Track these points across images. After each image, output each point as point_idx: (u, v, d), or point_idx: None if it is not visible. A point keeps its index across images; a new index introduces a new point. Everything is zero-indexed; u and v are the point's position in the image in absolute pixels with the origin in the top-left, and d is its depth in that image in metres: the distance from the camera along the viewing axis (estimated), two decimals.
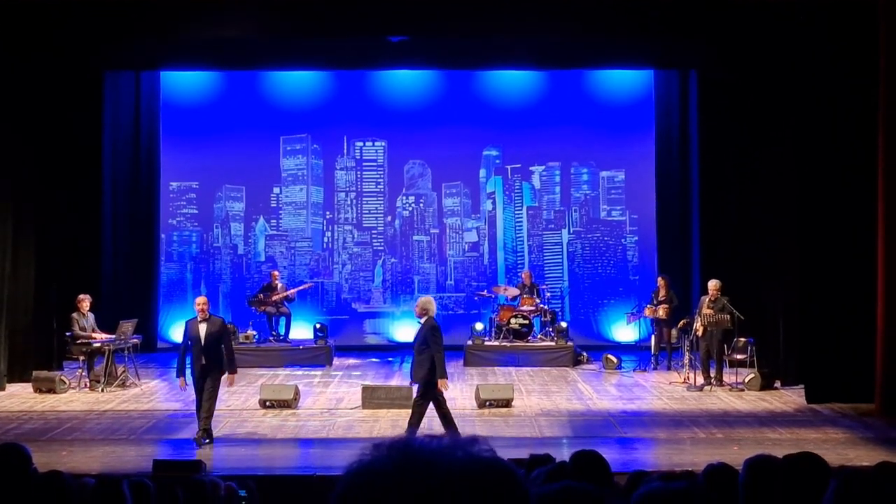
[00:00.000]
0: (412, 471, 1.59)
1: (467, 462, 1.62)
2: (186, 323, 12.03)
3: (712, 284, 15.56)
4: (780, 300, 15.60)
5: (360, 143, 20.93)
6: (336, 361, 18.23)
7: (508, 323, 18.26)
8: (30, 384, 15.33)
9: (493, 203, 20.90)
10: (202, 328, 11.79)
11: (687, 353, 15.98)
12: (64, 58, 16.57)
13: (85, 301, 15.75)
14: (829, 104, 14.26)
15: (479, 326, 18.55)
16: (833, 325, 14.10)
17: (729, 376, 15.61)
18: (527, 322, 18.28)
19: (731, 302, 15.40)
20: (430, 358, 11.34)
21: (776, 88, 15.70)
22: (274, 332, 18.59)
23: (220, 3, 15.14)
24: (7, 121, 15.63)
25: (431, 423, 12.09)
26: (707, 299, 15.52)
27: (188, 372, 12.08)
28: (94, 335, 15.62)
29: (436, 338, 11.39)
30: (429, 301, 11.80)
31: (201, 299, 12.04)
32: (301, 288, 19.35)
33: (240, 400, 14.50)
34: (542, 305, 18.68)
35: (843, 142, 14.17)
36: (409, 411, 13.39)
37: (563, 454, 6.49)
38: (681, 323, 16.63)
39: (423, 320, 11.56)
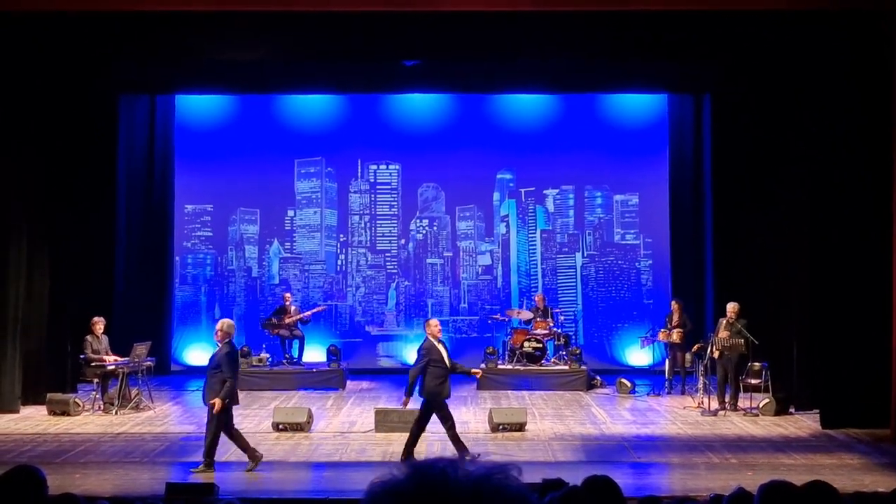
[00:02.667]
0: (429, 494, 1.63)
1: (484, 487, 1.65)
2: (427, 346, 12.09)
3: (730, 307, 15.52)
4: (795, 324, 15.56)
5: (374, 167, 20.99)
6: (349, 384, 18.21)
7: (522, 346, 18.22)
8: (44, 407, 15.36)
9: (507, 226, 20.91)
10: (444, 350, 12.00)
11: (701, 378, 15.91)
12: (79, 81, 16.67)
13: (99, 324, 15.80)
14: (841, 124, 14.26)
15: (491, 350, 18.54)
16: (848, 350, 14.03)
17: (743, 401, 15.54)
18: (540, 346, 18.24)
19: (747, 326, 15.35)
20: (223, 381, 11.38)
21: (789, 111, 15.71)
22: (287, 355, 18.60)
23: (235, 27, 15.22)
24: (22, 143, 15.70)
25: (445, 445, 12.08)
26: (725, 321, 15.49)
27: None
28: (107, 358, 15.65)
29: (230, 363, 11.46)
30: (231, 325, 11.79)
31: (436, 321, 12.33)
32: (314, 311, 19.36)
33: (253, 423, 14.50)
34: (555, 329, 18.64)
35: (857, 162, 14.15)
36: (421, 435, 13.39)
37: (577, 478, 6.45)
38: (695, 347, 16.59)
39: (221, 343, 11.54)
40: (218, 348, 11.57)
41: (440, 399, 11.89)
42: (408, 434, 12.07)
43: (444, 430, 11.86)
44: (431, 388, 11.87)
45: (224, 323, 11.77)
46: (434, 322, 12.36)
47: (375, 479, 1.72)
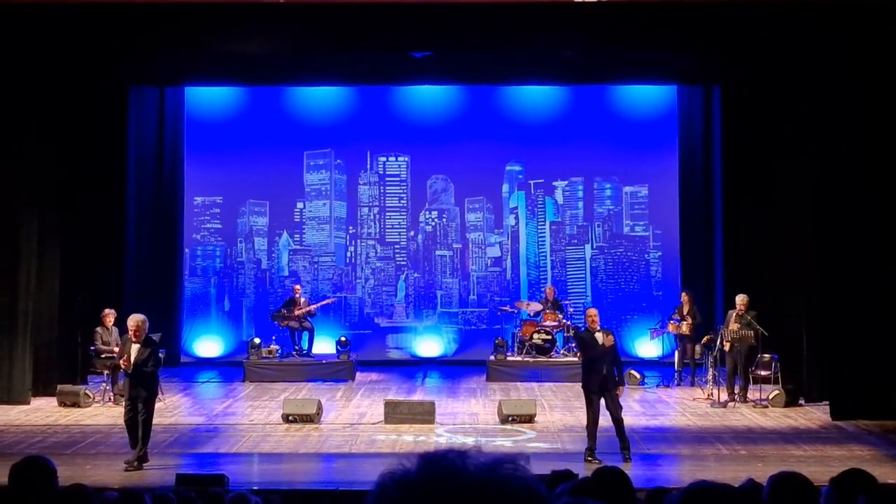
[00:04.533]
0: (438, 484, 1.63)
1: (493, 478, 1.65)
2: (583, 336, 12.10)
3: (740, 299, 15.49)
4: (805, 316, 15.52)
5: (384, 158, 20.98)
6: (359, 376, 18.22)
7: (531, 338, 18.20)
8: (54, 398, 15.40)
9: (516, 218, 20.89)
10: (605, 339, 11.96)
11: (711, 369, 15.89)
12: (89, 73, 16.67)
13: (109, 316, 15.84)
14: (847, 116, 14.25)
15: (500, 342, 18.52)
16: (857, 342, 14.01)
17: (753, 393, 15.52)
18: (549, 337, 18.22)
19: (757, 317, 15.33)
20: (154, 375, 11.52)
21: (799, 103, 15.65)
22: (297, 347, 18.62)
23: (245, 19, 15.22)
24: (32, 135, 15.74)
25: (453, 438, 12.08)
26: (734, 313, 15.46)
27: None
28: (117, 349, 15.66)
29: (158, 358, 11.57)
30: (146, 320, 11.66)
31: (594, 311, 12.27)
32: (324, 303, 19.37)
33: (262, 414, 14.53)
34: (564, 321, 18.62)
35: (863, 153, 14.14)
36: (430, 426, 13.45)
37: (587, 470, 6.44)
38: (704, 339, 16.56)
39: (142, 344, 11.42)
40: (140, 347, 11.36)
41: (588, 389, 11.78)
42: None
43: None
44: (583, 378, 11.84)
45: (139, 319, 11.57)
46: (591, 312, 12.30)
47: (385, 470, 1.72)
